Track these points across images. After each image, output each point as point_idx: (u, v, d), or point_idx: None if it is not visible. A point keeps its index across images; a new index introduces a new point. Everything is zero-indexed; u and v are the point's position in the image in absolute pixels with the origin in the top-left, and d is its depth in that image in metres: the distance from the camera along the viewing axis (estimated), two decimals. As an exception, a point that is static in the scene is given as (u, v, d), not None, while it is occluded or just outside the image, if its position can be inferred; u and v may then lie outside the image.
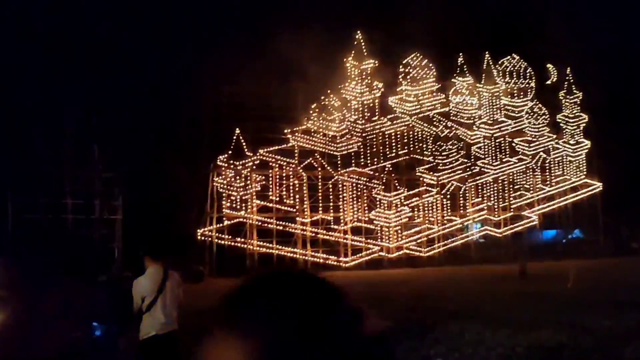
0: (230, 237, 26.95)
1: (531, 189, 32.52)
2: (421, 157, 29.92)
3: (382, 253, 28.48)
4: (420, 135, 30.11)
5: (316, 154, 27.99)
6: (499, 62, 32.53)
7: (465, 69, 31.24)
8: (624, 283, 19.04)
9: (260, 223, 27.15)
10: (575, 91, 34.03)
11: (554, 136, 33.33)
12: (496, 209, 31.14)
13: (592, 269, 23.56)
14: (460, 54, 31.14)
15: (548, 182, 33.05)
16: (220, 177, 26.59)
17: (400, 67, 29.94)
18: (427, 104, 30.15)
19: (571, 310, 13.49)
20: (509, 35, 32.27)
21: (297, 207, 27.54)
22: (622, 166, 31.80)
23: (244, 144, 26.50)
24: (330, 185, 28.20)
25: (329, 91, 28.07)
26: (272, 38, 25.34)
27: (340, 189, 28.27)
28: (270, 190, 27.52)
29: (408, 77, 29.89)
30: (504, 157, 31.60)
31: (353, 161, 28.46)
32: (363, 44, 28.45)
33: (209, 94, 27.41)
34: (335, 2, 30.27)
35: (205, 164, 27.29)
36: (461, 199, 30.38)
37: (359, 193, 28.44)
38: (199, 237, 26.56)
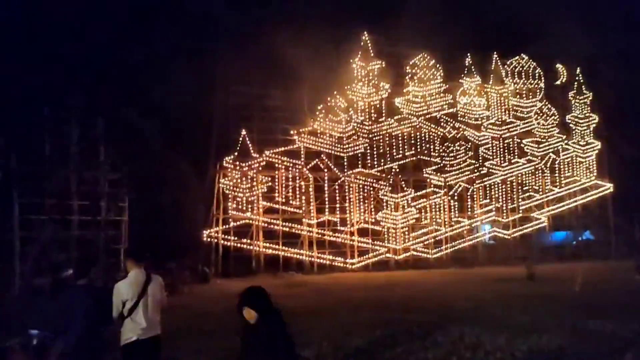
0: (236, 238, 26.92)
1: (540, 190, 32.22)
2: (428, 158, 29.75)
3: (389, 255, 28.34)
4: (427, 136, 29.93)
5: (323, 155, 27.91)
6: (508, 63, 32.29)
7: (473, 70, 31.05)
8: (633, 286, 18.82)
9: (266, 224, 27.10)
10: (585, 91, 33.69)
11: (564, 137, 33.02)
12: (504, 211, 30.88)
13: (601, 271, 23.32)
14: (468, 54, 30.96)
15: (557, 184, 32.74)
16: (226, 179, 26.57)
17: (407, 67, 29.79)
18: (434, 104, 29.97)
19: (575, 313, 13.29)
20: (517, 35, 31.99)
21: (304, 208, 27.47)
22: (633, 167, 31.45)
23: (250, 145, 26.48)
24: (337, 187, 28.09)
25: (335, 92, 27.98)
26: (279, 39, 25.28)
27: (347, 190, 28.17)
28: (277, 191, 27.46)
29: (415, 77, 29.73)
30: (512, 158, 31.34)
31: (360, 162, 28.36)
32: (370, 44, 28.33)
33: (215, 95, 27.38)
34: (342, 3, 30.17)
35: (212, 165, 27.29)
36: (469, 200, 30.16)
37: (365, 194, 28.33)
38: (204, 239, 26.54)
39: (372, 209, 28.36)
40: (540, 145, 32.27)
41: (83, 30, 23.19)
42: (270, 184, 27.23)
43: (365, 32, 28.33)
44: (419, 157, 29.70)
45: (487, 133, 30.98)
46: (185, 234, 25.82)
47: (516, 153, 31.57)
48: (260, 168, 26.77)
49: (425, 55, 29.71)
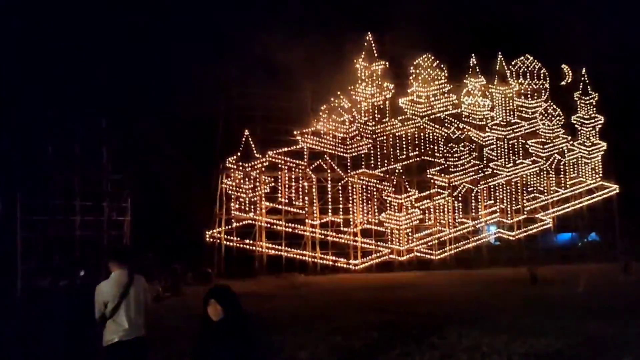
0: (238, 239, 26.91)
1: (545, 191, 32.03)
2: (432, 159, 29.62)
3: (392, 256, 28.24)
4: (431, 137, 29.82)
5: (326, 156, 27.86)
6: (512, 63, 32.11)
7: (477, 70, 30.90)
8: (638, 288, 18.64)
9: (269, 225, 27.08)
10: (590, 92, 33.46)
11: (569, 137, 32.81)
12: (509, 212, 30.72)
13: (607, 273, 23.11)
14: (472, 54, 30.80)
15: (563, 185, 32.51)
16: (229, 179, 26.57)
17: (411, 68, 29.69)
18: (438, 105, 29.85)
19: (576, 316, 13.18)
20: (522, 36, 31.83)
21: (307, 209, 27.43)
22: (639, 168, 31.21)
23: (253, 145, 26.46)
24: (340, 187, 28.03)
25: (339, 93, 27.93)
26: (283, 40, 25.28)
27: (350, 190, 28.11)
28: (280, 192, 27.45)
29: (419, 78, 29.63)
30: (517, 159, 31.16)
31: (363, 163, 28.30)
32: (373, 45, 28.25)
33: (218, 96, 27.39)
34: (345, 4, 30.12)
35: (215, 165, 27.28)
36: (473, 201, 30.02)
37: (369, 195, 28.25)
38: (207, 239, 26.54)
39: (376, 210, 28.29)
40: (545, 146, 32.07)
41: (87, 29, 23.25)
42: (273, 184, 27.22)
43: (369, 33, 28.24)
44: (422, 157, 29.60)
45: (492, 134, 30.83)
46: (188, 235, 25.87)
47: (521, 154, 31.38)
48: (263, 168, 26.75)
49: (429, 56, 29.60)
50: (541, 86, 32.30)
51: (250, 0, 29.49)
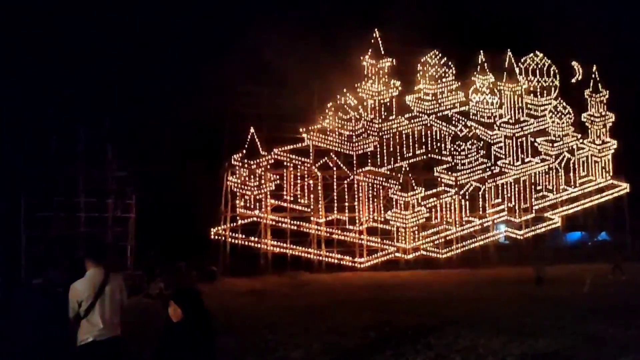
0: (244, 236, 26.84)
1: (554, 190, 31.63)
2: (439, 157, 29.35)
3: (398, 254, 28.04)
4: (438, 134, 29.55)
5: (332, 154, 27.69)
6: (522, 60, 31.71)
7: (485, 67, 30.56)
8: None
9: (274, 223, 26.98)
10: (601, 89, 32.99)
11: (579, 135, 32.36)
12: (517, 210, 30.38)
13: (629, 273, 22.70)
14: (481, 51, 30.47)
15: (572, 183, 32.09)
16: (234, 176, 26.50)
17: (419, 65, 29.43)
18: (445, 102, 29.58)
19: (579, 316, 12.99)
20: (532, 32, 31.47)
21: (312, 207, 27.30)
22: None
23: (258, 143, 26.36)
24: (346, 185, 27.86)
25: (345, 90, 27.75)
26: (289, 37, 25.18)
27: (356, 188, 27.91)
28: (285, 189, 27.34)
29: (426, 75, 29.37)
30: (525, 157, 30.80)
31: (369, 161, 28.07)
32: (380, 42, 28.03)
33: (224, 93, 27.33)
34: (352, 0, 29.98)
35: (220, 162, 27.24)
36: (480, 199, 29.72)
37: (375, 193, 28.04)
38: (212, 236, 26.51)
39: (382, 208, 28.07)
40: (555, 144, 31.64)
41: (92, 26, 23.31)
42: (278, 182, 27.11)
43: (375, 30, 28.03)
44: (429, 155, 29.33)
45: (500, 132, 30.48)
46: (192, 232, 25.85)
47: (530, 152, 31.01)
48: (268, 166, 26.65)
49: (437, 53, 29.33)
50: (551, 83, 31.89)
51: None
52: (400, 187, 27.57)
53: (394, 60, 28.12)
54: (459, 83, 29.87)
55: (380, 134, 28.15)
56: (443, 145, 29.49)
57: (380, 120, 28.09)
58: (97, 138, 22.75)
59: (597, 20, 30.09)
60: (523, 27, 31.60)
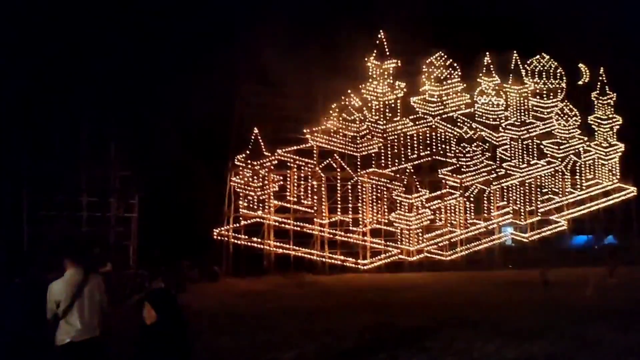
0: (247, 237, 26.81)
1: (560, 193, 31.40)
2: (444, 159, 29.20)
3: (402, 256, 27.92)
4: (443, 136, 29.40)
5: (336, 155, 27.60)
6: (528, 62, 31.51)
7: (491, 69, 30.38)
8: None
9: (277, 223, 26.93)
10: (608, 92, 32.73)
11: (586, 138, 32.11)
12: (522, 213, 30.17)
13: (620, 276, 22.52)
14: (487, 53, 30.30)
15: (578, 186, 31.83)
16: (237, 177, 26.48)
17: (424, 66, 29.30)
18: (451, 104, 29.43)
19: (579, 320, 12.81)
20: (538, 34, 31.27)
21: (316, 208, 27.23)
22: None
23: (262, 143, 26.33)
24: (350, 187, 27.78)
25: (349, 91, 27.67)
26: (293, 38, 25.14)
27: (360, 190, 27.83)
28: (288, 190, 27.29)
29: (432, 76, 29.23)
30: (531, 159, 30.59)
31: (373, 162, 27.97)
32: (385, 43, 27.92)
33: (228, 94, 27.33)
34: (358, 1, 29.89)
35: (223, 163, 27.23)
36: (485, 202, 29.53)
37: (379, 194, 27.94)
38: (215, 237, 26.49)
39: (386, 210, 27.97)
40: (561, 147, 31.43)
41: (96, 26, 23.36)
42: (282, 182, 27.07)
43: (380, 31, 27.93)
44: (434, 157, 29.19)
45: (506, 134, 30.30)
46: (195, 232, 25.85)
47: (535, 154, 30.79)
48: (272, 167, 26.61)
49: (442, 54, 29.19)
50: (557, 85, 31.67)
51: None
52: (404, 189, 27.48)
53: (398, 61, 28.01)
54: (465, 85, 29.69)
55: (385, 135, 28.05)
56: (448, 147, 29.33)
57: (384, 122, 27.99)
58: (100, 137, 22.78)
59: (604, 22, 29.86)
60: (529, 28, 31.39)
